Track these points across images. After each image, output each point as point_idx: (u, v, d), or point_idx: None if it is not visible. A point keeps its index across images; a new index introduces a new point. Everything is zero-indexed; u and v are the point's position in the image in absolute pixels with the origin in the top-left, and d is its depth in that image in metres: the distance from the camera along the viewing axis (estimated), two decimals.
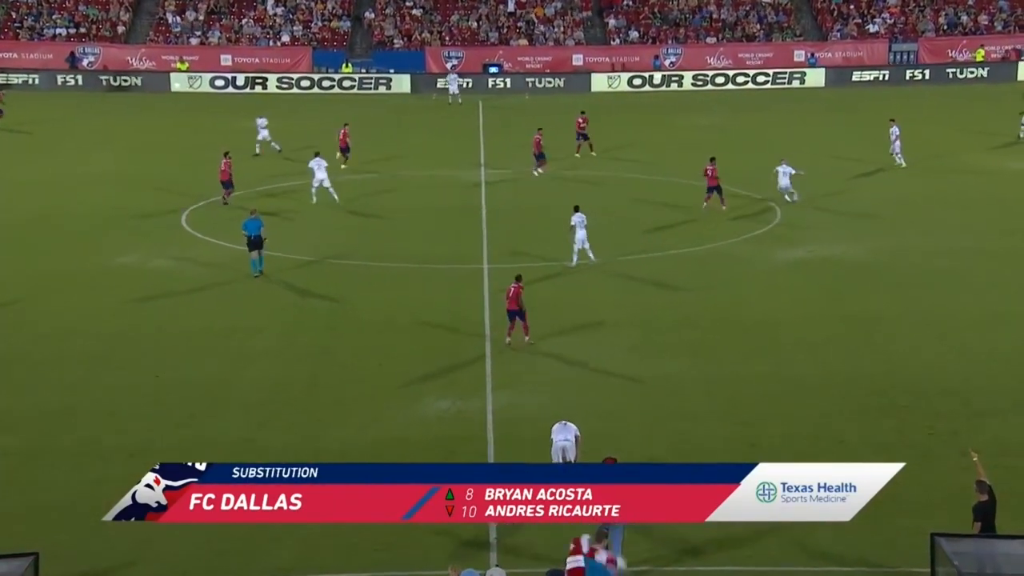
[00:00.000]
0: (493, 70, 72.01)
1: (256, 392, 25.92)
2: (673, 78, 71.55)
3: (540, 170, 47.03)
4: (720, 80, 71.91)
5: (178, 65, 71.11)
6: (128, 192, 44.30)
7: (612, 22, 75.91)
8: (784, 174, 41.57)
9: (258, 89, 69.64)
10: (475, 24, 75.61)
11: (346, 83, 69.79)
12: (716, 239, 37.98)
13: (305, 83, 70.23)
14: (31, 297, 32.35)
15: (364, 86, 69.75)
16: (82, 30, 73.60)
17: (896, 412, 24.79)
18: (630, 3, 77.16)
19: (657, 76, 71.50)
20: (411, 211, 41.89)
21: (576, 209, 34.83)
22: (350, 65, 71.72)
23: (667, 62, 73.26)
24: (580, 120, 51.34)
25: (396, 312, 31.16)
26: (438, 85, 68.59)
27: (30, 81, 69.54)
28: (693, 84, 71.61)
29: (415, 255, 35.85)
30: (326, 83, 69.73)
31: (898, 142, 47.76)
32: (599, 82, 70.95)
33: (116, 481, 21.52)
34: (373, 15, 75.92)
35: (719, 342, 29.03)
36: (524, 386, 26.25)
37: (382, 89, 69.74)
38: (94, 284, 33.53)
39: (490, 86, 70.31)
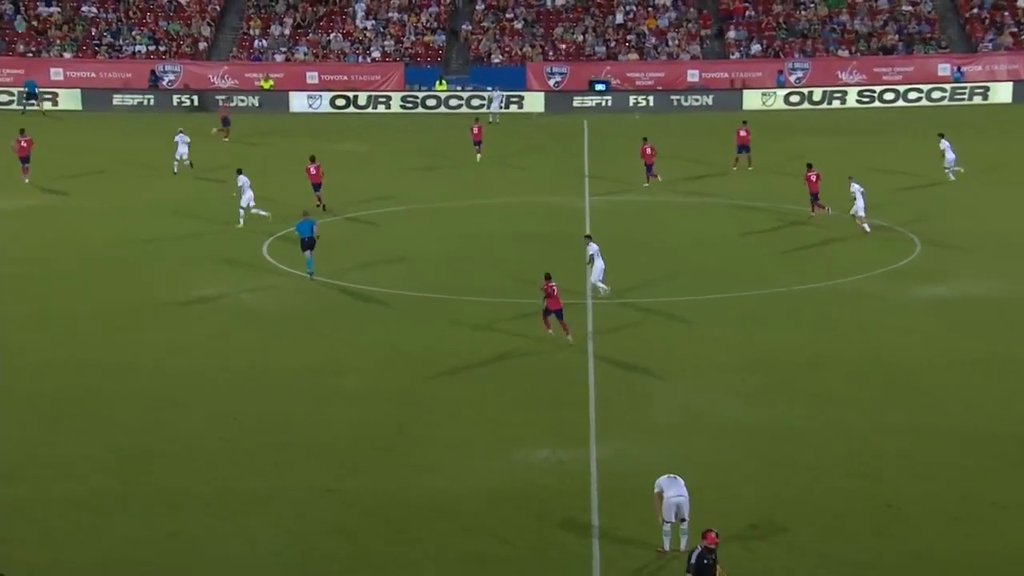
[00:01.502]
0: (600, 87, 72.21)
1: (341, 437, 26.20)
2: (835, 94, 70.97)
3: (656, 179, 49.78)
4: (889, 96, 71.04)
5: (261, 83, 72.77)
6: (209, 220, 45.23)
7: (732, 34, 75.53)
8: (859, 193, 41.47)
9: (380, 108, 71.13)
10: (580, 37, 75.91)
11: (475, 102, 70.62)
12: (846, 274, 37.44)
13: (431, 102, 71.32)
14: (104, 331, 33.19)
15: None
16: (162, 47, 75.74)
17: None
18: (752, 13, 76.68)
19: (817, 92, 71.04)
20: (507, 240, 42.11)
21: (589, 239, 35.50)
22: (444, 82, 72.56)
23: (792, 78, 72.66)
24: (742, 132, 53.02)
25: (491, 352, 31.27)
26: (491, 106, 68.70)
27: (145, 102, 71.74)
28: (857, 101, 70.89)
29: (511, 289, 35.99)
30: (453, 102, 70.61)
31: (952, 155, 48.92)
32: (752, 99, 70.72)
33: (191, 533, 22.03)
34: (470, 28, 76.71)
35: (849, 388, 28.55)
36: (631, 434, 26.11)
37: (513, 108, 70.53)
38: (171, 318, 34.29)
39: (631, 103, 70.62)
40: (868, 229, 41.43)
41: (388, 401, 28.21)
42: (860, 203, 41.35)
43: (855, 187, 41.80)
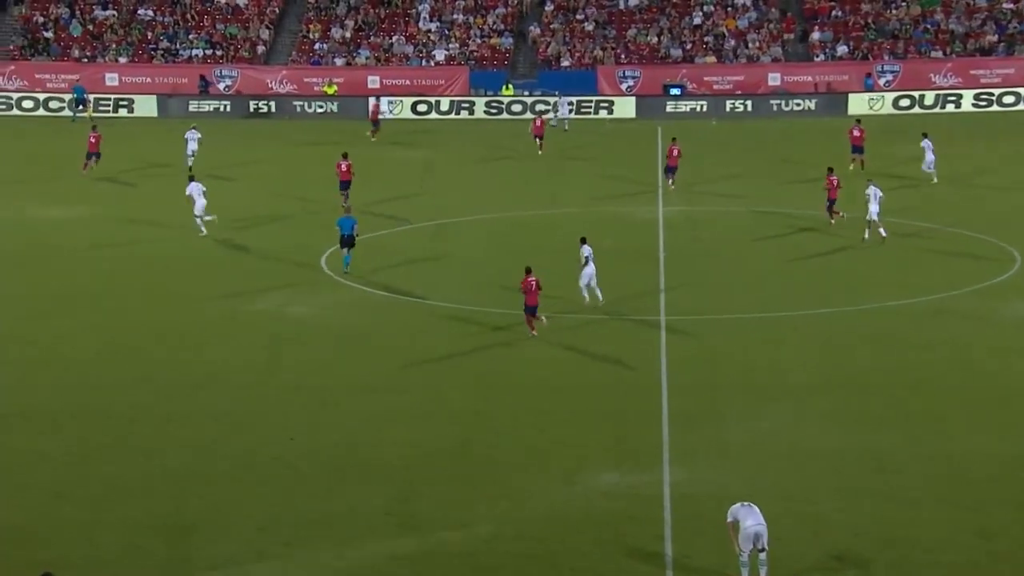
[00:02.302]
0: (675, 91, 72.03)
1: (400, 459, 26.30)
2: (949, 98, 70.13)
3: (671, 185, 50.67)
4: (1009, 99, 69.84)
5: (325, 88, 73.45)
6: (266, 231, 45.70)
7: (817, 35, 74.98)
8: (875, 198, 41.45)
9: (463, 114, 71.55)
10: (655, 39, 75.79)
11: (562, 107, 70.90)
12: (937, 290, 37.01)
13: (516, 107, 71.33)
14: (157, 347, 33.60)
15: (583, 111, 70.46)
16: (219, 52, 76.70)
17: None
18: (839, 13, 76.06)
19: (930, 96, 70.20)
20: (574, 252, 42.03)
21: (583, 241, 35.80)
22: (511, 87, 72.70)
23: (881, 81, 71.97)
24: (856, 131, 53.06)
25: (557, 370, 31.28)
26: (554, 112, 68.30)
27: (222, 108, 72.72)
28: (974, 105, 69.97)
29: (579, 304, 35.92)
30: (539, 107, 70.56)
31: (931, 156, 49.55)
32: (858, 103, 70.08)
33: (244, 560, 22.24)
34: (539, 30, 76.87)
35: (940, 411, 28.20)
36: (706, 459, 25.96)
37: (603, 114, 70.68)
38: (227, 332, 34.69)
39: (728, 109, 70.35)
40: (884, 234, 41.52)
41: (448, 421, 28.29)
42: (874, 208, 41.30)
43: (872, 189, 41.67)
